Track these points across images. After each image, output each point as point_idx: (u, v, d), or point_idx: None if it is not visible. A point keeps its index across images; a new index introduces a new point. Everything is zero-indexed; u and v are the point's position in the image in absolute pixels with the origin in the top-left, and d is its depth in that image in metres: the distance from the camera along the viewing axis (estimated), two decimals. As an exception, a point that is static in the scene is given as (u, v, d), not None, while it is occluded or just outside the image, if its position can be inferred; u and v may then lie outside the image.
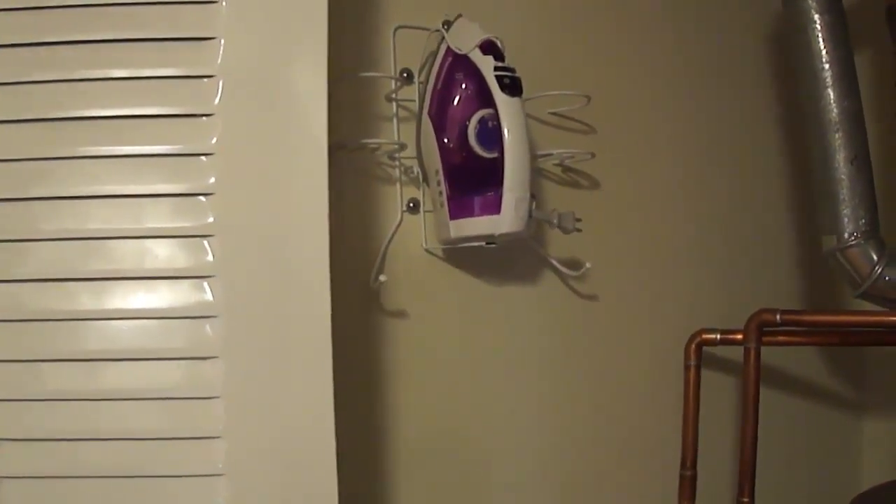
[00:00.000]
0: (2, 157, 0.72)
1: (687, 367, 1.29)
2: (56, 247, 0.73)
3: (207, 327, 0.73)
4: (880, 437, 1.52)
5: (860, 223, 1.16)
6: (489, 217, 1.00)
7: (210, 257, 0.73)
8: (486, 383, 1.16)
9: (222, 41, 0.73)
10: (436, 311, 1.12)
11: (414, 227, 1.10)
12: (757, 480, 1.22)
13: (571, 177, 1.23)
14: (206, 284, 0.73)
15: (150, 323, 0.74)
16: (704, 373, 1.29)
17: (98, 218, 0.73)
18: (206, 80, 0.73)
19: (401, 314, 1.09)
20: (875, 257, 1.16)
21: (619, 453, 1.28)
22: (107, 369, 0.74)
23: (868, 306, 1.24)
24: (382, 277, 0.98)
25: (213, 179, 0.73)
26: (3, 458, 0.73)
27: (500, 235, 1.00)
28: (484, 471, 1.16)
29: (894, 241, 1.19)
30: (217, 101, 0.73)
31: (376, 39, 1.07)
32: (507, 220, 0.99)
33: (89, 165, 0.72)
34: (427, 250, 1.10)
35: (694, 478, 1.28)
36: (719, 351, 1.32)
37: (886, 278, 1.16)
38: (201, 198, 0.73)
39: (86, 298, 0.73)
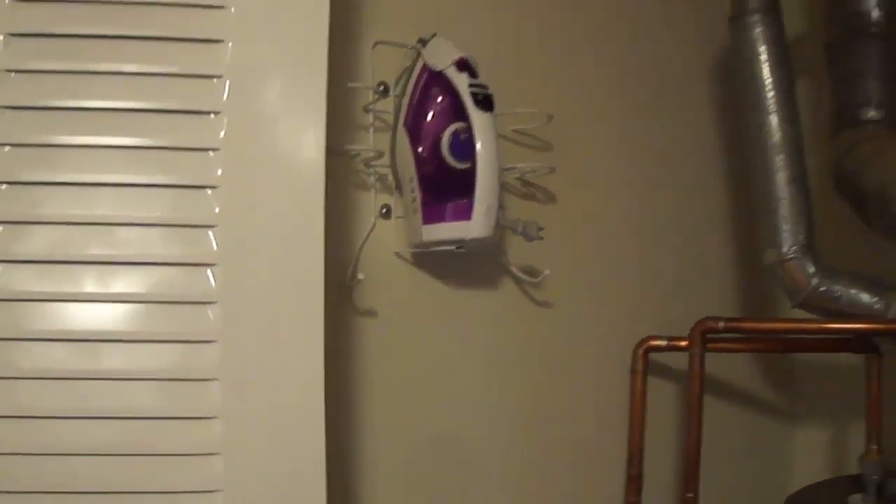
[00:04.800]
0: (16, 141, 0.76)
1: (634, 373, 1.37)
2: (63, 230, 0.77)
3: (208, 312, 0.78)
4: (811, 443, 1.63)
5: (799, 238, 1.26)
6: (461, 223, 1.07)
7: (214, 246, 0.78)
8: (448, 380, 1.22)
9: (230, 44, 0.79)
10: (404, 311, 1.17)
11: (386, 232, 1.15)
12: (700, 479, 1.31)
13: (530, 190, 1.30)
14: (209, 272, 0.78)
15: (152, 307, 0.78)
16: (650, 377, 1.37)
17: (107, 205, 0.77)
18: (214, 79, 0.78)
19: (371, 313, 1.14)
20: (812, 270, 1.26)
21: (570, 452, 1.35)
22: (108, 350, 0.78)
23: (803, 315, 1.34)
24: (360, 276, 1.04)
25: (219, 172, 0.78)
26: None
27: (471, 240, 1.07)
28: (445, 462, 1.21)
29: (830, 255, 1.30)
30: (224, 99, 0.78)
31: (356, 53, 1.13)
32: (477, 225, 1.06)
33: (101, 154, 0.76)
34: (397, 254, 1.16)
35: (640, 476, 1.36)
36: (664, 357, 1.41)
37: (822, 289, 1.26)
38: (208, 190, 0.78)
39: (90, 281, 0.77)
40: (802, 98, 1.33)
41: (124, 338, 0.77)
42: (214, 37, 0.78)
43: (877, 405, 1.35)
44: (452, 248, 1.09)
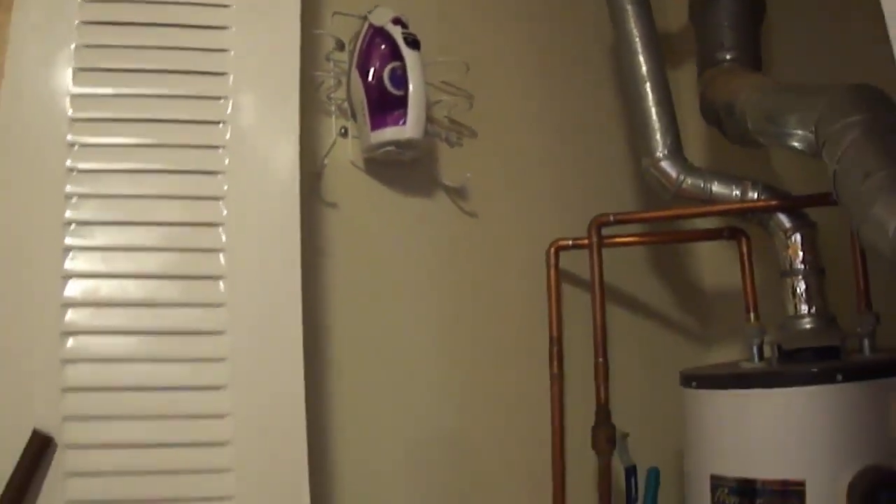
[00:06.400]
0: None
1: (548, 268, 1.71)
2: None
3: (220, 230, 1.22)
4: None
5: (667, 143, 1.63)
6: (399, 127, 1.45)
7: (226, 162, 1.24)
8: (392, 266, 1.56)
9: (233, 29, 1.27)
10: (357, 206, 1.53)
11: (344, 147, 1.52)
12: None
13: (457, 126, 1.65)
14: (221, 204, 1.23)
15: (183, 201, 1.23)
16: (569, 276, 1.74)
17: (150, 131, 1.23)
18: (222, 52, 1.27)
19: (333, 206, 1.49)
20: (679, 168, 1.62)
21: (502, 334, 1.67)
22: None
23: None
24: (326, 161, 1.42)
25: (229, 109, 1.25)
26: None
27: (406, 140, 1.45)
28: (388, 340, 1.53)
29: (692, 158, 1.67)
30: (229, 61, 1.26)
31: (319, 21, 1.50)
32: (410, 129, 1.44)
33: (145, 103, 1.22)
34: (353, 163, 1.53)
35: (560, 352, 1.68)
36: (573, 255, 1.74)
37: (689, 182, 1.61)
38: (220, 125, 1.25)
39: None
40: (666, 42, 1.73)
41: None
42: (220, 24, 1.28)
43: (751, 280, 1.67)
44: (393, 147, 1.46)
